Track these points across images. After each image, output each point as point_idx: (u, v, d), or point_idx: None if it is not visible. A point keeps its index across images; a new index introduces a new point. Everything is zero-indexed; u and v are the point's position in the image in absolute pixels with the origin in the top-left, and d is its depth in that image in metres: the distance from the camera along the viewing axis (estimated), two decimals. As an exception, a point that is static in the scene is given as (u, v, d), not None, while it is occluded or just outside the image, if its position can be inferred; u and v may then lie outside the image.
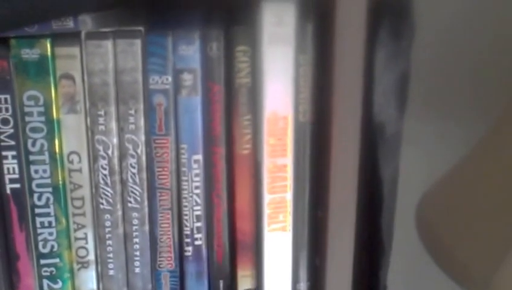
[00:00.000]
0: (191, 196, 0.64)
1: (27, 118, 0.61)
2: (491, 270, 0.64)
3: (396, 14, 0.61)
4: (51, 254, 0.64)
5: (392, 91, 0.62)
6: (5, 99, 0.61)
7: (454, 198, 0.70)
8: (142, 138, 0.62)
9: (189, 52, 0.61)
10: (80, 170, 0.63)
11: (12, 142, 0.62)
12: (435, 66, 0.83)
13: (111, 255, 0.65)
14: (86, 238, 0.64)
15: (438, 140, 0.85)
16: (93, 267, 0.65)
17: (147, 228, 0.64)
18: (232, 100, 0.62)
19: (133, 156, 0.63)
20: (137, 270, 0.65)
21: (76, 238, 0.64)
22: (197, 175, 0.63)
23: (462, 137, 0.83)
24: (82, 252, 0.65)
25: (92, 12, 0.57)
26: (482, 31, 0.82)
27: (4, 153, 0.62)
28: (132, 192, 0.63)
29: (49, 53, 0.60)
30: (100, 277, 0.65)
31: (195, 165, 0.63)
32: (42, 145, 0.62)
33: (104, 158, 0.63)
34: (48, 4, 0.53)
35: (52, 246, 0.64)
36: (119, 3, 0.54)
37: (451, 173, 0.71)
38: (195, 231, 0.65)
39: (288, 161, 0.63)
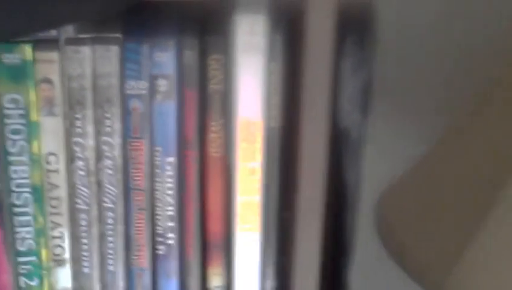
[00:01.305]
0: (164, 197, 0.66)
1: (7, 120, 0.63)
2: (447, 268, 0.67)
3: (361, 25, 0.65)
4: (28, 252, 0.66)
5: (357, 98, 0.66)
6: (-15, 101, 0.63)
7: (412, 197, 0.73)
8: (118, 140, 0.65)
9: (164, 59, 0.63)
10: (57, 171, 0.65)
11: (-8, 143, 0.64)
12: (394, 67, 0.86)
13: (86, 253, 0.67)
14: (62, 237, 0.67)
15: (396, 140, 0.89)
16: (68, 265, 0.67)
17: (121, 227, 0.67)
18: (205, 106, 0.65)
19: (108, 158, 0.65)
20: (111, 268, 0.68)
21: (53, 237, 0.67)
22: (170, 177, 0.66)
23: (420, 137, 0.87)
24: (58, 251, 0.67)
25: (88, 21, 0.59)
26: (440, 36, 0.86)
27: (-17, 154, 0.64)
28: (107, 192, 0.66)
29: (29, 58, 0.62)
30: (75, 275, 0.68)
31: (168, 167, 0.66)
32: (22, 147, 0.64)
33: (80, 159, 0.65)
34: (47, 15, 0.55)
35: (30, 244, 0.66)
36: (109, 13, 0.57)
37: (408, 173, 0.75)
38: (167, 231, 0.67)
39: (259, 164, 0.66)
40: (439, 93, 0.88)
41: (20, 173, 0.65)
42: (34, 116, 0.63)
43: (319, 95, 0.63)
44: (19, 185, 0.65)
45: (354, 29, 0.64)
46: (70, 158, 0.65)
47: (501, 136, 0.67)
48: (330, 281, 0.70)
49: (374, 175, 0.79)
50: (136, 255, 0.68)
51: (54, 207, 0.66)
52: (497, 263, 0.66)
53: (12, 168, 0.64)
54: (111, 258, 0.67)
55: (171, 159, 0.66)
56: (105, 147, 0.65)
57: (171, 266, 0.68)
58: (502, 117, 0.68)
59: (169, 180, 0.66)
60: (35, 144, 0.64)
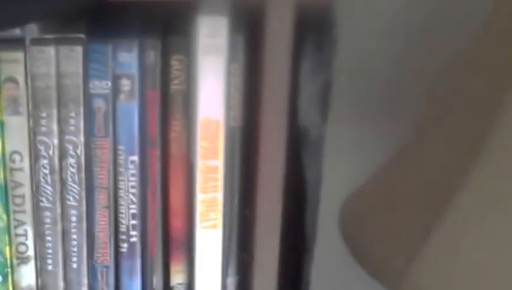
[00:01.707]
0: (127, 195, 0.68)
1: (-29, 119, 0.64)
2: (405, 265, 0.69)
3: (320, 28, 0.66)
4: (-9, 250, 0.68)
5: (316, 99, 0.68)
6: (-50, 101, 0.64)
7: (375, 200, 0.75)
8: (82, 139, 0.66)
9: (127, 59, 0.65)
10: (21, 169, 0.66)
11: (-44, 142, 0.65)
12: (354, 73, 0.88)
13: (50, 251, 0.68)
14: (26, 235, 0.67)
15: (355, 140, 0.91)
16: (32, 262, 0.68)
17: (84, 225, 0.68)
18: (167, 105, 0.66)
19: (72, 156, 0.66)
20: (74, 265, 0.69)
21: (16, 235, 0.67)
22: (133, 175, 0.67)
23: (379, 139, 0.89)
24: (22, 248, 0.68)
25: (52, 20, 0.61)
26: (400, 38, 0.88)
27: None
28: (71, 190, 0.67)
29: (-7, 58, 0.64)
30: (39, 272, 0.69)
31: (131, 166, 0.67)
32: (-15, 145, 0.65)
33: (45, 158, 0.66)
34: (10, 13, 0.56)
35: (-7, 242, 0.67)
36: (72, 11, 0.58)
37: (371, 178, 0.77)
38: (130, 229, 0.68)
39: (220, 162, 0.67)
40: (398, 96, 0.90)
41: (-16, 171, 0.66)
42: (-2, 115, 0.65)
43: (279, 96, 0.65)
44: (-17, 184, 0.66)
45: (313, 32, 0.66)
46: (35, 157, 0.66)
47: (458, 141, 0.70)
48: (291, 278, 0.72)
49: (334, 174, 0.81)
50: (100, 253, 0.69)
51: (17, 205, 0.67)
52: (452, 260, 0.68)
53: (-23, 166, 0.66)
54: (75, 256, 0.68)
55: (134, 158, 0.67)
56: (69, 146, 0.66)
57: (134, 264, 0.69)
58: (460, 122, 0.70)
59: (132, 178, 0.67)
60: (-1, 143, 0.65)
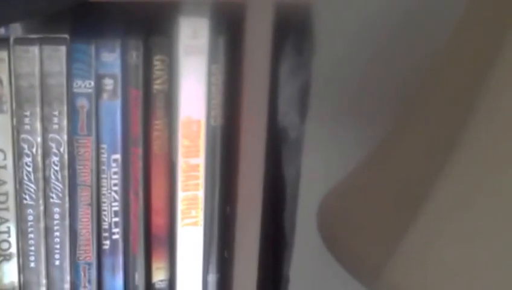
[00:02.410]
0: (110, 193, 0.69)
1: (-45, 117, 0.65)
2: (382, 263, 0.70)
3: (299, 30, 0.68)
4: (-26, 247, 0.68)
5: (295, 99, 0.69)
6: None
7: (352, 199, 0.76)
8: (65, 137, 0.67)
9: (110, 59, 0.66)
10: (4, 167, 0.67)
11: None
12: (331, 73, 0.90)
13: (32, 248, 0.69)
14: (8, 232, 0.68)
15: (334, 145, 0.93)
16: (14, 259, 0.69)
17: (67, 222, 0.69)
18: (149, 104, 0.68)
19: (56, 155, 0.67)
20: (57, 262, 0.69)
21: None
22: (115, 173, 0.68)
23: (356, 142, 0.91)
24: (4, 245, 0.69)
25: (35, 19, 0.62)
26: (379, 38, 0.90)
27: None
28: (54, 188, 0.68)
29: (-22, 57, 0.64)
30: (21, 269, 0.69)
31: (114, 164, 0.68)
32: (-31, 143, 0.66)
33: (28, 156, 0.67)
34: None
35: (-24, 239, 0.68)
36: (55, 10, 0.59)
37: (349, 176, 0.78)
38: (113, 226, 0.69)
39: (201, 161, 0.68)
40: (376, 96, 0.92)
41: (-32, 169, 0.67)
42: (-18, 113, 0.66)
43: (259, 96, 0.66)
44: (-34, 181, 0.67)
45: (293, 32, 0.68)
46: (18, 154, 0.67)
47: (433, 138, 0.71)
48: (271, 276, 0.73)
49: (313, 178, 0.82)
50: (82, 250, 0.69)
51: (1, 202, 0.67)
52: (428, 257, 0.69)
53: (-39, 164, 0.66)
54: (57, 253, 0.69)
55: (117, 156, 0.68)
56: (52, 144, 0.67)
57: (117, 261, 0.70)
58: (435, 119, 0.72)
59: (115, 176, 0.68)
60: (-17, 141, 0.66)
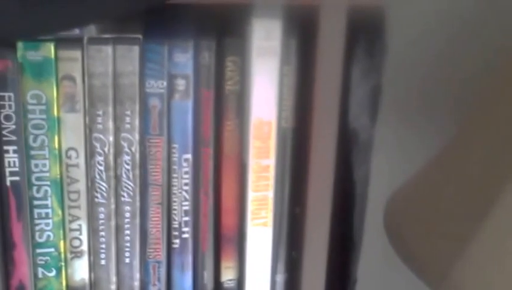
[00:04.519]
0: (180, 192, 0.69)
1: (30, 115, 0.66)
2: (449, 266, 0.70)
3: (371, 33, 0.67)
4: (46, 244, 0.69)
5: (366, 101, 0.69)
6: (9, 97, 0.65)
7: (419, 200, 0.76)
8: (137, 137, 0.67)
9: (183, 59, 0.66)
10: (77, 165, 0.67)
11: (14, 138, 0.66)
12: (398, 75, 0.89)
13: (103, 245, 0.69)
14: (80, 230, 0.69)
15: (400, 146, 0.92)
16: (85, 257, 0.70)
17: (137, 221, 0.69)
18: (221, 105, 0.68)
19: (127, 154, 0.67)
20: (127, 260, 0.70)
21: (71, 229, 0.69)
22: (186, 173, 0.69)
23: (422, 143, 0.90)
24: (76, 243, 0.69)
25: (110, 21, 0.62)
26: (450, 43, 0.89)
27: (5, 148, 0.66)
28: (125, 187, 0.68)
29: (52, 56, 0.65)
30: (92, 266, 0.70)
31: (185, 164, 0.68)
32: (43, 141, 0.66)
33: (100, 155, 0.67)
34: (71, 15, 0.57)
35: (48, 236, 0.69)
36: (130, 13, 0.59)
37: (417, 176, 0.78)
38: (183, 225, 0.70)
39: (271, 162, 0.68)
40: (447, 99, 0.91)
41: (40, 166, 0.67)
42: (55, 112, 0.66)
43: (330, 98, 0.66)
44: (38, 179, 0.67)
45: (365, 36, 0.67)
46: (90, 153, 0.67)
47: (502, 141, 0.70)
48: (338, 276, 0.73)
49: (381, 175, 0.82)
50: (152, 248, 0.70)
51: (73, 200, 0.68)
52: (496, 261, 0.69)
53: (33, 162, 0.67)
54: (127, 251, 0.70)
55: (188, 156, 0.68)
56: (124, 143, 0.67)
57: (186, 259, 0.71)
58: (504, 123, 0.71)
59: (186, 176, 0.69)
60: (55, 139, 0.67)
